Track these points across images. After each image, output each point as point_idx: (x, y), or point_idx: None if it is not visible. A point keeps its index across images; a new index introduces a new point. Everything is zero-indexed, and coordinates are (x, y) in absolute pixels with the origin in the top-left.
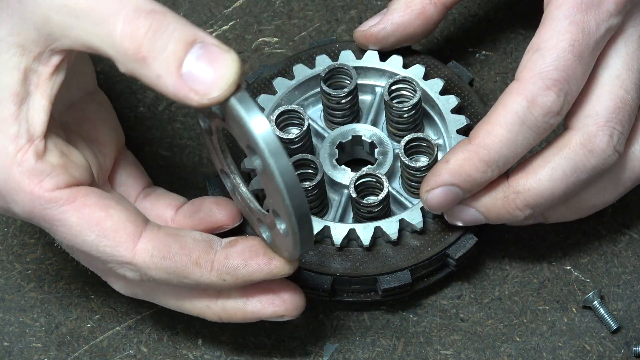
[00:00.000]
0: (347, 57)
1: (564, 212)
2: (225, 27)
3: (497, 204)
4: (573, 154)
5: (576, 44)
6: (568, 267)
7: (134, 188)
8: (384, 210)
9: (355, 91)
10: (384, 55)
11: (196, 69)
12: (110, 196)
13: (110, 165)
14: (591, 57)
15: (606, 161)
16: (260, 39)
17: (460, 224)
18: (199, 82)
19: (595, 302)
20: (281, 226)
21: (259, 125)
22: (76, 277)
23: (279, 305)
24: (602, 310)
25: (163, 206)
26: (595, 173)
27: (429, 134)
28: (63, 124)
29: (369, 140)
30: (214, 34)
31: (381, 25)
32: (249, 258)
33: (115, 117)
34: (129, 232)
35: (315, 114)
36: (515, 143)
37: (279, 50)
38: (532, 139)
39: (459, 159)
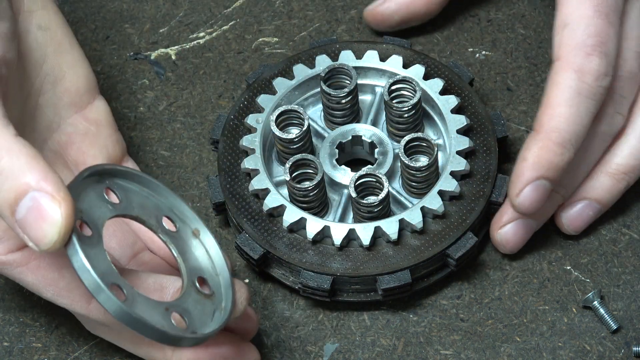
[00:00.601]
0: (347, 57)
1: None
2: (225, 27)
3: (605, 184)
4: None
5: (600, 8)
6: (568, 267)
7: None
8: (384, 210)
9: (355, 91)
10: (383, 55)
11: (25, 221)
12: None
13: None
14: (616, 15)
15: None
16: (260, 39)
17: (584, 226)
18: (30, 233)
19: (595, 302)
20: None
21: (84, 275)
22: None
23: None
24: (602, 310)
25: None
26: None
27: (429, 134)
28: (46, 150)
29: (369, 140)
30: (214, 34)
31: (386, 4)
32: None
33: (110, 134)
34: (82, 291)
35: (315, 114)
36: (580, 116)
37: (279, 50)
38: (592, 107)
39: (534, 151)
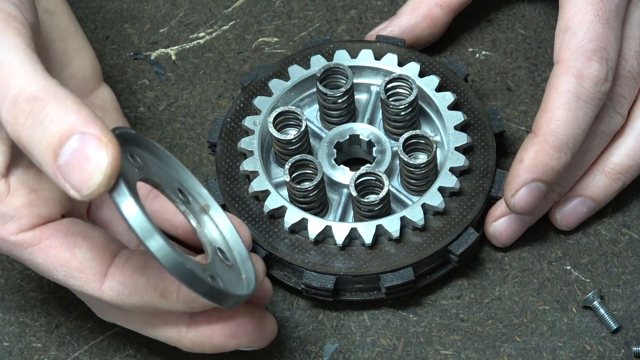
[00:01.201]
0: (341, 57)
1: None
2: (225, 27)
3: (600, 183)
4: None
5: (600, 12)
6: (568, 267)
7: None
8: (385, 208)
9: (351, 90)
10: (378, 54)
11: (69, 165)
12: (78, 232)
13: None
14: (617, 21)
15: None
16: (260, 39)
17: (577, 222)
18: (72, 178)
19: (595, 302)
20: None
21: (133, 218)
22: None
23: (241, 339)
24: (602, 310)
25: (172, 212)
26: None
27: (426, 131)
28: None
29: (367, 139)
30: (214, 34)
31: (389, 28)
32: None
33: (117, 119)
34: (95, 271)
35: (311, 114)
36: (578, 120)
37: (279, 50)
38: (591, 112)
39: (531, 154)
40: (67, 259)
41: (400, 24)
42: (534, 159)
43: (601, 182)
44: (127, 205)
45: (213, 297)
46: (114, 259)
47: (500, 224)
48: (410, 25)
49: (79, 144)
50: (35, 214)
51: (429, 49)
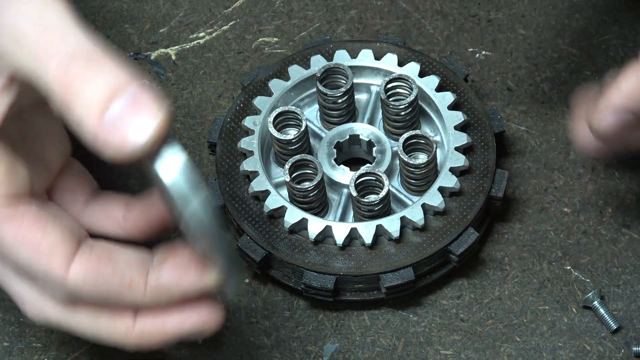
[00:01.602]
0: (341, 57)
1: None
2: (225, 27)
3: None
4: None
5: None
6: (568, 267)
7: (81, 193)
8: (385, 208)
9: (351, 90)
10: (378, 54)
11: (121, 117)
12: (47, 212)
13: (52, 178)
14: None
15: None
16: (260, 39)
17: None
18: (117, 135)
19: (595, 302)
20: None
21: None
22: None
23: (196, 319)
24: (602, 311)
25: (113, 206)
26: None
27: (426, 131)
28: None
29: (367, 139)
30: (214, 34)
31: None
32: (180, 275)
33: (62, 128)
34: (63, 254)
35: (311, 114)
36: None
37: (279, 50)
38: None
39: (633, 80)
40: (37, 239)
41: None
42: (634, 86)
43: None
44: (170, 163)
45: (233, 265)
46: (80, 245)
47: (606, 119)
48: None
49: (135, 95)
50: (10, 190)
51: (429, 49)
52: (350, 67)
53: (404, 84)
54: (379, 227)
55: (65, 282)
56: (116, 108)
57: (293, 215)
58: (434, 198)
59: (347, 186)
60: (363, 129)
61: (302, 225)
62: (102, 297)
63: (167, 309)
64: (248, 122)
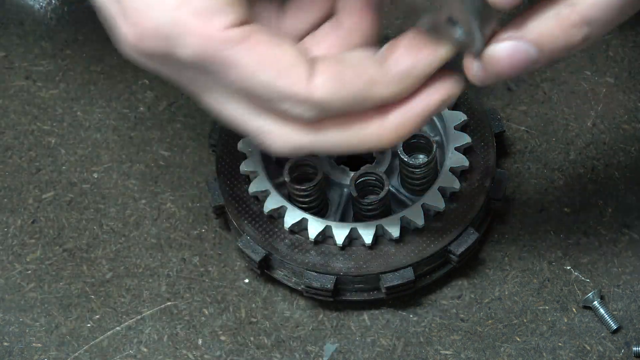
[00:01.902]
0: None
1: None
2: None
3: (550, 25)
4: None
5: None
6: (568, 267)
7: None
8: (385, 208)
9: None
10: None
11: None
12: (275, 33)
13: None
14: None
15: None
16: None
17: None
18: None
19: (595, 302)
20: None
21: None
22: (76, 277)
23: (441, 93)
24: (602, 310)
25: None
26: None
27: (426, 131)
28: None
29: None
30: None
31: None
32: (416, 56)
33: None
34: (304, 68)
35: None
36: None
37: None
38: None
39: (544, 20)
40: (278, 55)
41: None
42: (541, 24)
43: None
44: None
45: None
46: (315, 59)
47: (500, 48)
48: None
49: None
50: (239, 12)
51: None
52: None
53: None
54: (379, 227)
55: (312, 97)
56: None
57: (293, 215)
58: (434, 198)
59: (347, 186)
60: None
61: (302, 225)
62: (349, 103)
63: (411, 95)
64: None
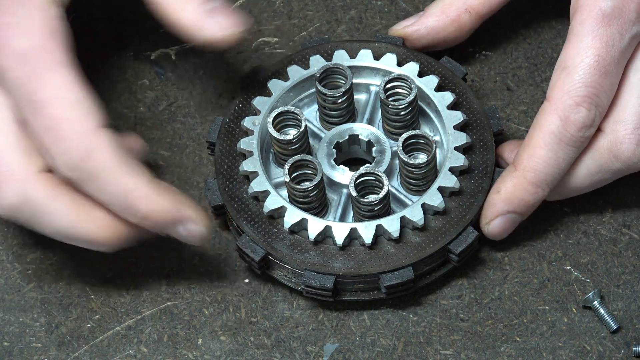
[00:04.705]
0: (341, 57)
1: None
2: None
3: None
4: (599, 156)
5: (601, 59)
6: (568, 267)
7: None
8: (385, 208)
9: (350, 90)
10: (377, 54)
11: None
12: None
13: None
14: (617, 68)
15: (630, 167)
16: (260, 39)
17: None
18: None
19: (595, 302)
20: None
21: None
22: (76, 277)
23: None
24: (602, 310)
25: None
26: (619, 175)
27: (425, 130)
28: None
29: (366, 139)
30: None
31: (415, 26)
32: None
33: None
34: None
35: (310, 114)
36: (558, 160)
37: (279, 50)
38: (572, 153)
39: (509, 186)
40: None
41: (426, 25)
42: (510, 193)
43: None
44: None
45: None
46: None
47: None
48: (437, 27)
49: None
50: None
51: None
52: (350, 67)
53: (403, 84)
54: (378, 227)
55: None
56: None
57: (293, 215)
58: (433, 198)
59: (346, 186)
60: (362, 129)
61: (301, 225)
62: None
63: None
64: (247, 122)
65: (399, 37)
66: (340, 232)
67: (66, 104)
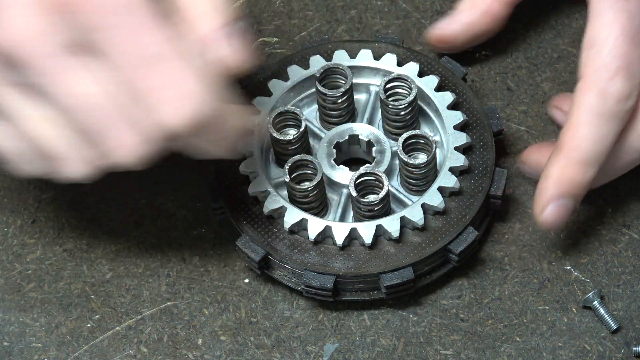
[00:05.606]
0: (340, 57)
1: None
2: None
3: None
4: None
5: (627, 31)
6: (568, 267)
7: None
8: (385, 208)
9: (350, 90)
10: (377, 54)
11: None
12: None
13: None
14: None
15: None
16: (260, 39)
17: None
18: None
19: (595, 302)
20: None
21: None
22: (76, 277)
23: None
24: (602, 310)
25: None
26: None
27: (425, 131)
28: None
29: (366, 139)
30: None
31: (451, 25)
32: None
33: None
34: None
35: (310, 114)
36: (602, 136)
37: (279, 51)
38: (615, 127)
39: (557, 169)
40: None
41: (461, 21)
42: (559, 175)
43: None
44: None
45: None
46: None
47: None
48: (471, 21)
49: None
50: None
51: (429, 49)
52: (350, 67)
53: (403, 84)
54: (378, 227)
55: None
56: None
57: (293, 215)
58: (433, 198)
59: (346, 186)
60: (362, 129)
61: (301, 225)
62: None
63: None
64: None
65: (437, 42)
66: (340, 232)
67: (177, 57)
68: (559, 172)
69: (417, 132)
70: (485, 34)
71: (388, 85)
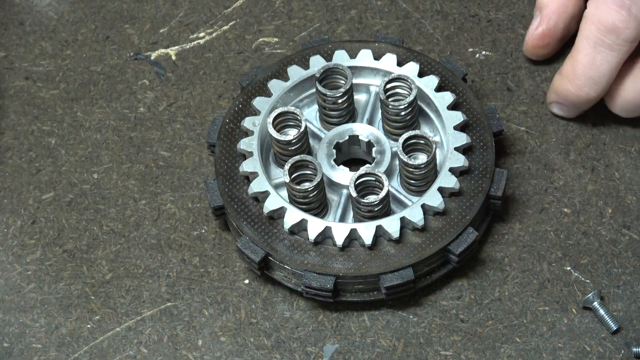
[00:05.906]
0: (340, 57)
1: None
2: (225, 27)
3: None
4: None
5: None
6: (568, 268)
7: None
8: (385, 208)
9: (350, 91)
10: (377, 54)
11: None
12: None
13: None
14: None
15: None
16: (260, 39)
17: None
18: None
19: (595, 303)
20: None
21: None
22: (76, 278)
23: None
24: (602, 311)
25: None
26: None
27: (425, 131)
28: None
29: (366, 140)
30: (214, 34)
31: (545, 18)
32: None
33: None
34: None
35: (310, 114)
36: (595, 64)
37: (279, 51)
38: (611, 57)
39: (555, 83)
40: None
41: (552, 10)
42: (557, 87)
43: None
44: None
45: None
46: None
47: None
48: (563, 5)
49: None
50: None
51: (429, 49)
52: (350, 67)
53: (403, 84)
54: (378, 228)
55: None
56: None
57: (293, 216)
58: (433, 198)
59: (346, 187)
60: (362, 130)
61: (301, 226)
62: None
63: None
64: (247, 122)
65: (535, 45)
66: (340, 233)
67: None
68: (556, 85)
69: (417, 132)
70: (578, 13)
71: (388, 86)
